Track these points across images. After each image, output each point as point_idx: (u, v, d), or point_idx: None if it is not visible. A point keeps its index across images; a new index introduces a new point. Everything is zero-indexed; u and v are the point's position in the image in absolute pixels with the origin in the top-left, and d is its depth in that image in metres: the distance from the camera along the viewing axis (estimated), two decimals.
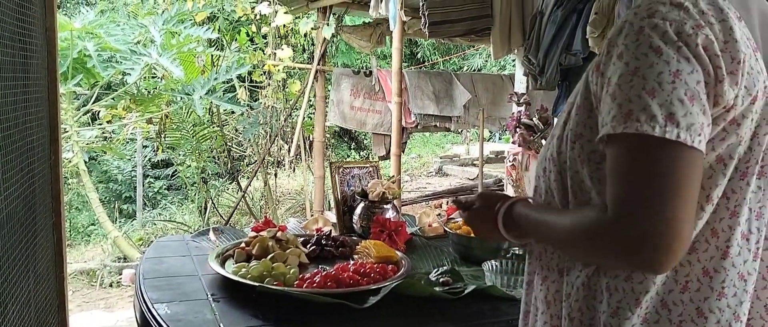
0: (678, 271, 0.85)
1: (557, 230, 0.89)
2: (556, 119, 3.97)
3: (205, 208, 6.74)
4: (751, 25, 0.85)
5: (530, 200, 1.05)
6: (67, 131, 5.30)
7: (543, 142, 3.84)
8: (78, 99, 5.69)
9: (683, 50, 0.77)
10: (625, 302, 0.85)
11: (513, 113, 3.99)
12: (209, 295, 1.51)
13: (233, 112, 6.91)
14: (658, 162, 0.75)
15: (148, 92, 5.93)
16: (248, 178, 6.70)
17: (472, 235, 1.88)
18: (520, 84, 4.15)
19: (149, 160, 8.21)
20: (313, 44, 6.52)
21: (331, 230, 2.06)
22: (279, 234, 1.82)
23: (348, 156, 10.42)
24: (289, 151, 6.67)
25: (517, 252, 1.82)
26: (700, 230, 0.84)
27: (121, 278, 5.28)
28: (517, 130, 3.78)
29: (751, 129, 0.84)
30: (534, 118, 3.75)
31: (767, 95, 0.84)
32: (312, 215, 5.61)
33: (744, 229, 0.86)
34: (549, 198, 0.98)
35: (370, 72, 5.60)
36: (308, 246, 1.85)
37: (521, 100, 3.91)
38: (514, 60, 6.86)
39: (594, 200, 0.88)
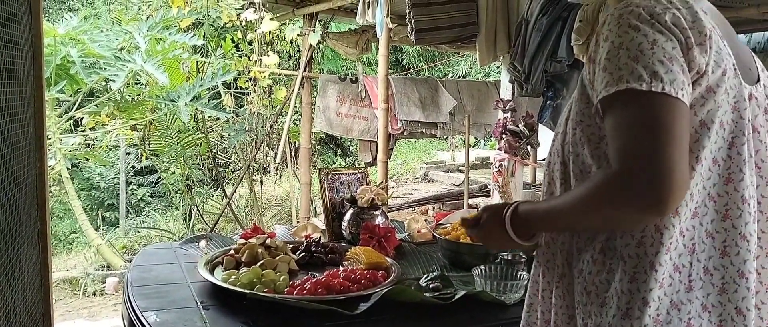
0: (684, 235, 0.92)
1: (567, 205, 0.95)
2: (541, 125, 4.02)
3: (190, 216, 6.68)
4: (724, 33, 0.98)
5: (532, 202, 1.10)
6: (50, 138, 5.23)
7: (529, 148, 3.87)
8: (61, 105, 5.62)
9: (656, 25, 0.90)
10: (640, 267, 0.92)
11: (499, 119, 4.01)
12: (199, 303, 1.50)
13: (218, 119, 6.87)
14: (648, 112, 0.85)
15: (133, 99, 5.87)
16: (233, 184, 6.66)
17: (462, 241, 1.89)
18: (506, 91, 4.18)
19: (132, 167, 8.13)
20: (299, 51, 6.51)
21: (320, 237, 2.06)
22: (268, 241, 1.81)
23: (334, 162, 10.41)
24: (275, 157, 6.65)
25: (505, 257, 1.84)
26: (700, 197, 0.93)
27: (104, 287, 5.21)
28: (503, 136, 3.81)
29: (730, 102, 0.94)
30: (520, 125, 3.78)
31: (739, 76, 0.95)
32: (298, 222, 5.59)
33: (744, 195, 0.94)
34: (552, 188, 1.08)
35: (356, 78, 5.61)
36: (298, 253, 1.84)
37: (507, 107, 3.94)
38: (498, 67, 6.92)
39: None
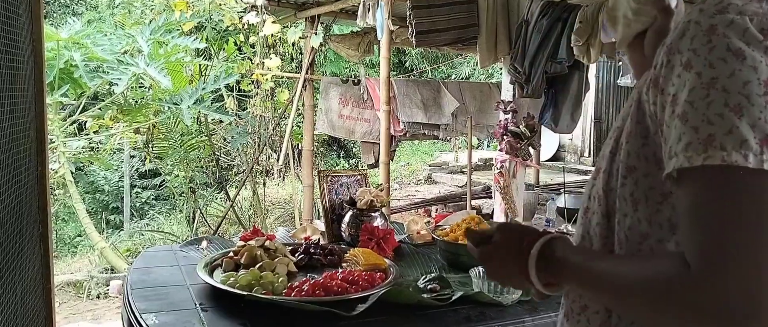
0: None
1: (620, 281, 0.68)
2: (544, 127, 4.02)
3: (194, 218, 6.71)
4: None
5: (569, 237, 0.84)
6: (54, 142, 5.27)
7: (530, 149, 3.87)
8: (64, 109, 5.66)
9: None
10: None
11: (500, 121, 4.02)
12: (198, 305, 1.51)
13: (221, 122, 6.90)
14: (755, 201, 0.58)
15: (136, 102, 5.91)
16: (237, 187, 6.69)
17: (461, 242, 1.89)
18: (507, 92, 4.19)
19: (136, 170, 8.17)
20: (301, 53, 6.54)
21: (319, 239, 2.06)
22: (267, 243, 1.82)
23: (337, 164, 10.43)
24: (277, 160, 6.67)
25: None
26: None
27: (108, 289, 5.23)
28: (504, 137, 3.81)
29: None
30: (520, 126, 3.78)
31: None
32: (301, 224, 5.61)
33: None
34: (587, 246, 0.83)
35: (359, 81, 5.62)
36: (296, 255, 1.85)
37: (508, 108, 3.95)
38: (501, 68, 6.92)
39: (646, 250, 0.73)
